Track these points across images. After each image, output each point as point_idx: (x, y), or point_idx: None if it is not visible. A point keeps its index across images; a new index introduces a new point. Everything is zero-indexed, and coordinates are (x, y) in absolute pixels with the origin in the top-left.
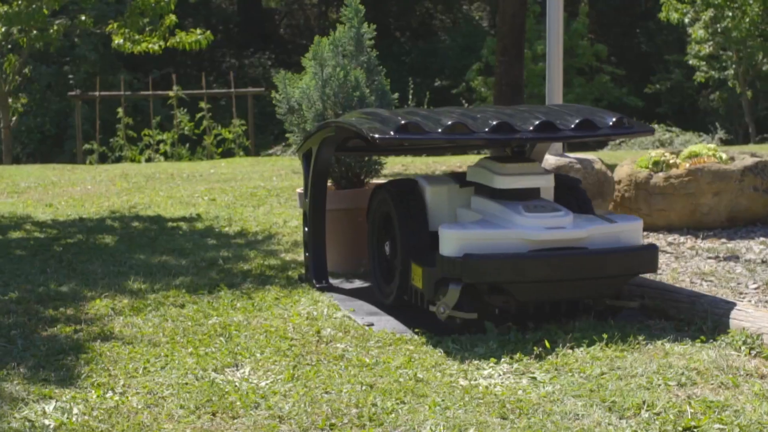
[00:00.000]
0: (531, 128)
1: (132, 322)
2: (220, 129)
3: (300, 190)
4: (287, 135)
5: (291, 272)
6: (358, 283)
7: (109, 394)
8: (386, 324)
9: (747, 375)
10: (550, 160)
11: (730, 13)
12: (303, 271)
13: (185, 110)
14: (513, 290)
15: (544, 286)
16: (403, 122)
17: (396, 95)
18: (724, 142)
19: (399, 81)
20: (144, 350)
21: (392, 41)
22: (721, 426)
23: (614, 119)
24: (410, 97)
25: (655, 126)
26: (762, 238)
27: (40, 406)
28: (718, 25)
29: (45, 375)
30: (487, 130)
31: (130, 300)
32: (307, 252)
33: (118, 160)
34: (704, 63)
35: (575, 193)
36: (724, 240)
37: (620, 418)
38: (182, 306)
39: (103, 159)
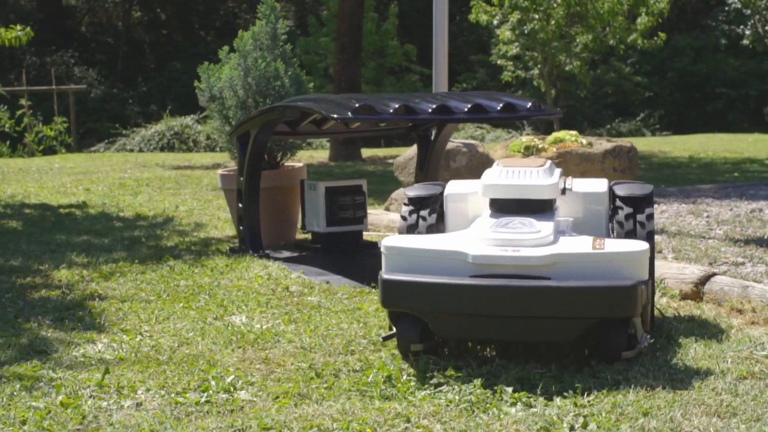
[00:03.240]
0: (465, 110)
1: (108, 286)
2: (41, 126)
3: (222, 171)
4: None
5: (216, 246)
6: (287, 253)
7: (139, 337)
8: (340, 281)
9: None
10: None
11: (537, 16)
12: (227, 246)
13: (5, 107)
14: (430, 323)
15: (470, 322)
16: (357, 105)
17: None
18: None
19: None
20: (142, 306)
21: (198, 40)
22: None
23: (530, 103)
24: None
25: (465, 125)
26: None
27: (90, 346)
28: (525, 27)
29: (72, 325)
30: (429, 111)
31: (89, 270)
32: (241, 225)
33: None
34: (510, 63)
35: (637, 208)
36: None
37: None
38: (144, 273)
39: None
